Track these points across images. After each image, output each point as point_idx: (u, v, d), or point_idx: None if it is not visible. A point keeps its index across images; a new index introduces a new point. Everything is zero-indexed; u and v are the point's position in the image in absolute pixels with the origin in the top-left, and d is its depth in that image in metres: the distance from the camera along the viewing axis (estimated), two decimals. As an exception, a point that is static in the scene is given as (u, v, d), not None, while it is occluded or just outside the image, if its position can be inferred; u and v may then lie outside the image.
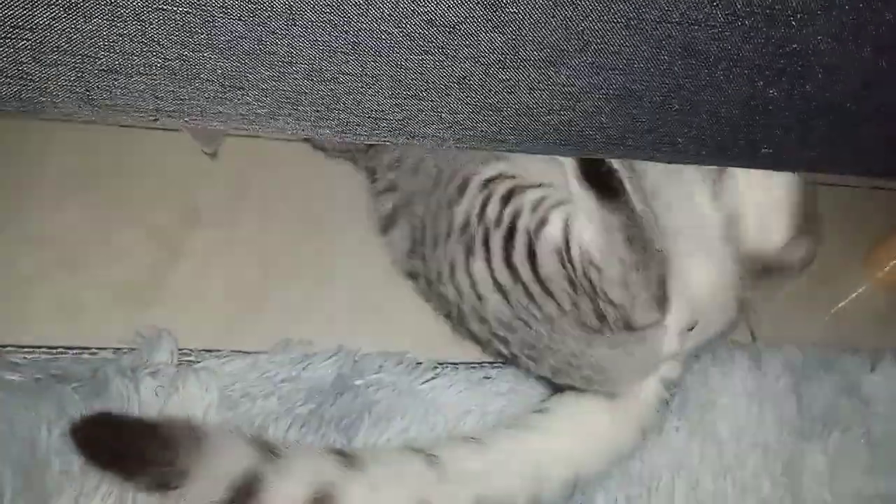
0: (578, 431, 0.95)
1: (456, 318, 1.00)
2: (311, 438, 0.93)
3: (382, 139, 0.77)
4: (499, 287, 0.92)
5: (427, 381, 1.02)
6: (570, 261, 0.88)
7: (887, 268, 1.33)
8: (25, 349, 0.96)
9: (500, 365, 1.06)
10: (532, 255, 0.89)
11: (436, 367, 1.04)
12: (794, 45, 0.70)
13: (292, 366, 1.00)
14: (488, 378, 1.05)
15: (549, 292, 0.90)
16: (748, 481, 1.02)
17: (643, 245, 0.87)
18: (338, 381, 0.99)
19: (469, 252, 0.93)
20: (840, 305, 1.31)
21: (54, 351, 0.97)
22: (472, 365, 1.07)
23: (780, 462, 1.04)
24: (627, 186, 0.88)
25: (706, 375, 1.09)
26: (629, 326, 0.90)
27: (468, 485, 0.88)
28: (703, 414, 1.06)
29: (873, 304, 1.33)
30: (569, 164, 0.88)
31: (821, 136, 0.79)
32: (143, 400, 0.91)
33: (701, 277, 0.95)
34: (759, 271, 1.03)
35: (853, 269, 1.36)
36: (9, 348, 0.95)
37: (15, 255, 1.03)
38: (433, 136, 0.76)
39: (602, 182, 0.87)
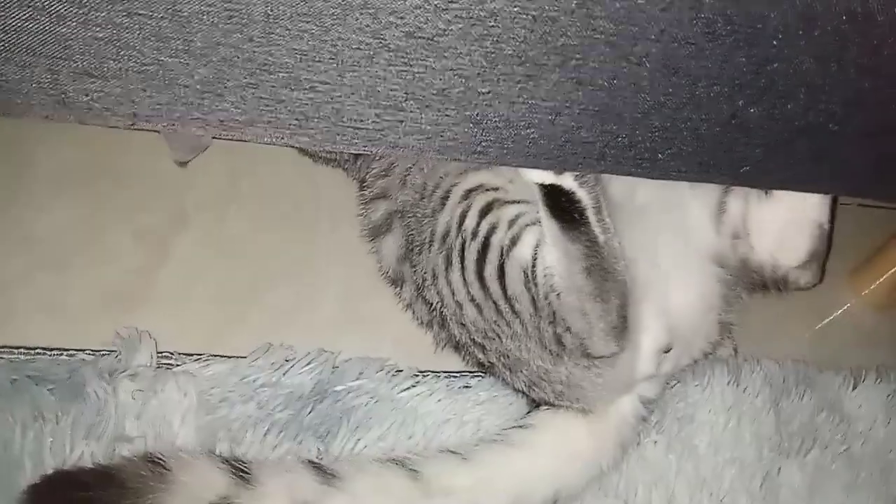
0: (559, 448, 0.95)
1: (438, 323, 1.01)
2: (287, 444, 0.92)
3: (362, 148, 0.76)
4: (472, 299, 0.93)
5: (407, 389, 1.02)
6: (535, 282, 0.88)
7: (872, 286, 1.33)
8: (3, 349, 0.96)
9: (480, 375, 1.06)
10: (502, 273, 0.90)
11: (416, 376, 1.04)
12: (776, 65, 0.70)
13: (272, 371, 1.00)
14: (468, 387, 1.05)
15: (515, 311, 0.90)
16: (725, 496, 1.02)
17: (603, 276, 0.87)
18: (317, 387, 0.99)
19: (448, 262, 0.93)
20: (823, 322, 1.30)
21: (32, 351, 0.96)
22: (453, 374, 1.07)
23: (757, 477, 1.04)
24: (591, 217, 0.87)
25: (685, 389, 1.09)
26: (587, 355, 0.90)
27: (453, 501, 0.88)
28: (681, 428, 1.06)
29: (857, 322, 1.32)
30: (536, 190, 0.88)
31: (802, 155, 0.79)
32: (121, 403, 0.91)
33: (680, 300, 0.95)
34: (758, 285, 1.04)
35: (838, 286, 1.35)
36: (-15, 349, 0.95)
37: (1, 255, 1.02)
38: (413, 146, 0.75)
39: (564, 211, 0.87)
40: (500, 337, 0.93)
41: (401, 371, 1.04)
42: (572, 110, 0.72)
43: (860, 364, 1.20)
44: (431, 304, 0.99)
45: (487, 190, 0.94)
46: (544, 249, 0.89)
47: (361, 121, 0.73)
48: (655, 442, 1.04)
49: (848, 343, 1.28)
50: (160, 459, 0.81)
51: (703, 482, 1.02)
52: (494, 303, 0.91)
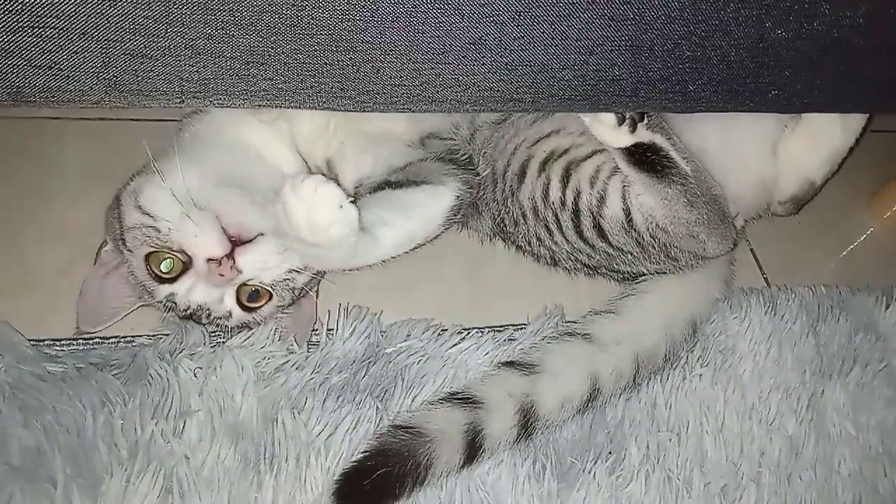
0: (680, 286, 1.05)
1: (552, 263, 1.11)
2: (347, 407, 0.95)
3: (400, 108, 0.78)
4: (580, 250, 1.03)
5: (455, 346, 1.04)
6: (636, 229, 0.97)
7: (893, 209, 1.36)
8: (62, 341, 0.98)
9: (523, 326, 1.09)
10: (601, 231, 0.99)
11: (461, 333, 1.07)
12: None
13: (319, 338, 1.03)
14: (513, 339, 1.07)
15: (624, 251, 1.01)
16: (773, 420, 1.04)
17: (703, 201, 0.94)
18: (368, 350, 1.02)
19: (548, 231, 1.03)
20: (850, 248, 1.33)
21: (91, 342, 0.99)
22: (496, 328, 1.09)
23: (802, 400, 1.06)
24: (675, 157, 0.94)
25: (724, 322, 1.11)
26: (703, 259, 1.00)
27: (624, 346, 1.01)
28: (725, 359, 1.08)
29: (880, 245, 1.35)
30: (617, 155, 0.95)
31: (828, 74, 0.81)
32: (182, 382, 0.94)
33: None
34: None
35: (859, 212, 1.39)
36: (46, 342, 0.97)
37: (42, 251, 1.05)
38: (451, 99, 0.78)
39: (651, 163, 0.93)
40: (613, 265, 1.05)
41: (446, 329, 1.07)
42: (604, 48, 0.74)
43: (890, 283, 1.23)
44: (542, 257, 1.09)
45: (560, 156, 0.99)
46: (634, 196, 0.96)
47: (400, 78, 0.75)
48: (701, 375, 1.06)
49: (875, 265, 1.30)
50: (405, 424, 0.90)
51: (751, 409, 1.05)
52: (604, 251, 1.01)
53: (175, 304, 0.93)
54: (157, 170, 0.92)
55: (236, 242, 0.91)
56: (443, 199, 1.01)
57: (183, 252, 0.91)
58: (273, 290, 0.96)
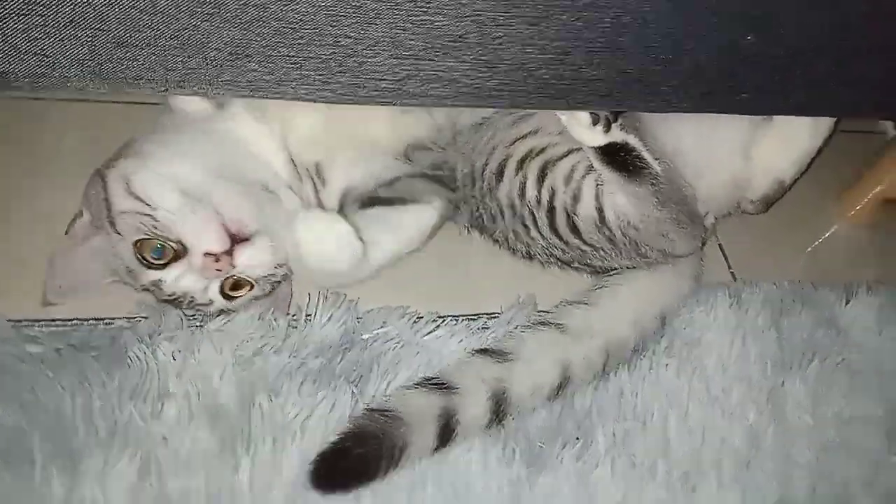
0: (651, 281, 1.09)
1: (527, 257, 1.14)
2: (323, 391, 0.96)
3: (382, 101, 0.80)
4: (555, 246, 1.07)
5: (430, 333, 1.06)
6: (608, 227, 1.00)
7: (857, 207, 1.40)
8: (42, 322, 0.99)
9: (497, 315, 1.12)
10: (575, 228, 1.02)
11: (436, 321, 1.09)
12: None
13: (297, 323, 1.04)
14: (486, 328, 1.10)
15: (596, 248, 1.04)
16: (735, 411, 1.08)
17: (673, 200, 0.97)
18: (344, 336, 1.04)
19: (525, 227, 1.06)
20: (815, 244, 1.38)
21: (69, 323, 1.00)
22: (471, 317, 1.12)
23: (763, 392, 1.10)
24: (647, 158, 0.96)
25: (691, 314, 1.15)
26: (672, 257, 1.04)
27: (595, 338, 1.03)
28: (690, 351, 1.12)
29: (846, 242, 1.40)
30: (591, 154, 0.97)
31: (798, 79, 0.84)
32: (161, 364, 0.95)
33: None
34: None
35: (826, 209, 1.43)
36: (25, 323, 0.98)
37: (26, 231, 1.05)
38: (431, 94, 0.79)
39: (623, 162, 0.96)
40: (586, 261, 1.08)
41: (421, 317, 1.09)
42: (581, 49, 0.76)
43: (852, 280, 1.27)
44: (517, 251, 1.13)
45: (536, 155, 1.02)
46: (607, 195, 0.99)
47: (382, 72, 0.76)
48: (667, 365, 1.09)
49: (839, 261, 1.35)
50: (381, 408, 0.92)
51: (714, 400, 1.08)
52: (577, 247, 1.04)
53: (160, 288, 0.94)
54: (151, 155, 0.93)
55: (235, 239, 0.93)
56: (428, 218, 1.07)
57: (179, 242, 0.92)
58: (256, 282, 0.98)
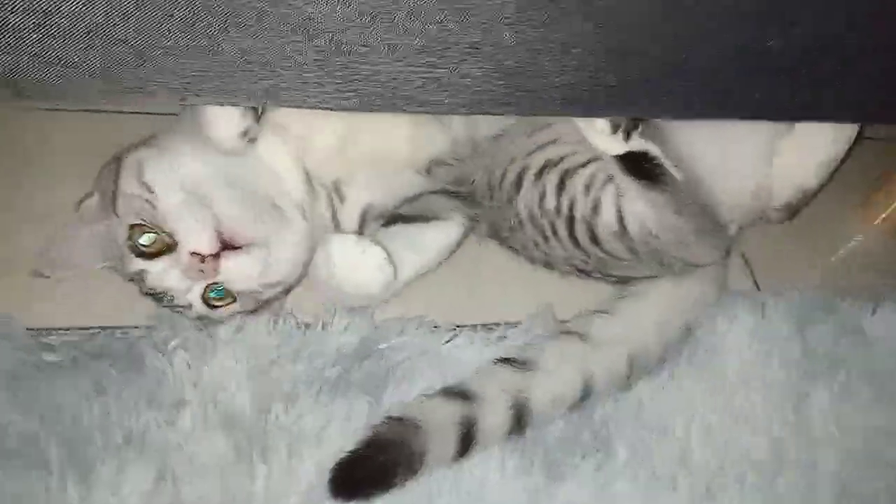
0: (676, 289, 1.07)
1: (547, 266, 1.13)
2: (340, 401, 0.96)
3: (398, 109, 0.80)
4: (575, 256, 1.06)
5: (447, 342, 1.06)
6: (629, 236, 0.99)
7: (883, 216, 1.38)
8: (59, 331, 0.99)
9: (514, 325, 1.11)
10: (595, 238, 1.01)
11: (453, 330, 1.08)
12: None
13: (313, 332, 1.04)
14: (504, 337, 1.09)
15: (617, 257, 1.03)
16: (758, 422, 1.06)
17: (692, 208, 0.96)
18: (361, 345, 1.03)
19: (544, 237, 1.05)
20: (839, 253, 1.35)
21: (87, 331, 1.00)
22: (489, 326, 1.11)
23: (788, 402, 1.08)
24: (667, 165, 0.96)
25: (713, 323, 1.13)
26: (694, 265, 1.03)
27: (618, 347, 1.02)
28: (712, 360, 1.10)
29: (870, 250, 1.37)
30: (611, 162, 0.97)
31: (815, 84, 0.82)
32: (177, 373, 0.95)
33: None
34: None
35: (850, 218, 1.41)
36: (42, 331, 0.98)
37: (39, 239, 1.05)
38: (447, 102, 0.79)
39: (644, 170, 0.95)
40: (606, 270, 1.07)
41: (438, 327, 1.08)
42: (597, 54, 0.75)
43: (877, 289, 1.24)
44: (536, 260, 1.12)
45: (555, 165, 1.02)
46: (628, 204, 0.98)
47: (398, 81, 0.76)
48: (688, 374, 1.07)
49: (864, 271, 1.32)
50: (401, 416, 0.92)
51: (737, 410, 1.06)
52: (597, 257, 1.03)
53: (143, 280, 0.94)
54: (170, 150, 0.94)
55: (226, 245, 0.92)
56: (451, 235, 1.09)
57: (170, 236, 0.92)
58: (239, 296, 0.97)
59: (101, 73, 0.70)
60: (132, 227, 0.92)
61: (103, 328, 1.01)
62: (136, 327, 1.01)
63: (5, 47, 0.65)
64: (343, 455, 0.89)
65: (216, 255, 0.92)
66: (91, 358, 0.96)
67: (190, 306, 0.97)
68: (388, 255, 0.96)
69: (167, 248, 0.93)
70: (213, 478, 0.89)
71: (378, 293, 0.98)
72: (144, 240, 0.92)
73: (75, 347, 0.97)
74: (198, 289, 0.95)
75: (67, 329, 1.00)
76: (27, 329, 0.97)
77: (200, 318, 0.99)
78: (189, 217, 0.91)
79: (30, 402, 0.90)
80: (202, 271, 0.91)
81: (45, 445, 0.88)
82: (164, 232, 0.92)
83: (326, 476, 0.88)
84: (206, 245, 0.91)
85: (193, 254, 0.91)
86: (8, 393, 0.91)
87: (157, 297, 0.96)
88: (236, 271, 0.94)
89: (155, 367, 0.95)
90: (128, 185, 0.94)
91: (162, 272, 0.93)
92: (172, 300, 0.96)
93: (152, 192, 0.92)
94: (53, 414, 0.90)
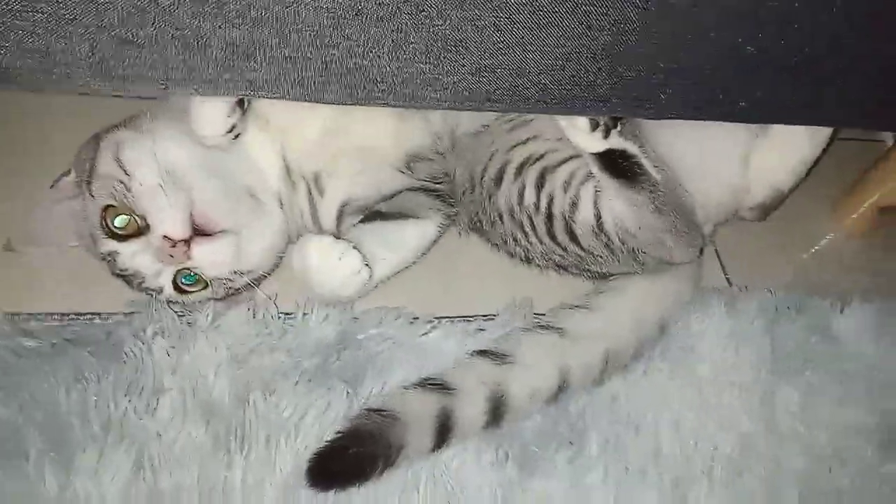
0: (652, 286, 1.09)
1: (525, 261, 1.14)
2: (318, 391, 0.97)
3: (381, 102, 0.80)
4: (553, 251, 1.07)
5: (425, 334, 1.07)
6: (605, 233, 1.00)
7: (853, 216, 1.40)
8: (38, 316, 0.99)
9: (493, 317, 1.12)
10: (573, 235, 1.02)
11: (432, 321, 1.09)
12: (771, 3, 0.75)
13: (293, 322, 1.05)
14: (481, 330, 1.10)
15: (593, 254, 1.04)
16: (727, 417, 1.08)
17: (670, 207, 0.98)
18: (340, 336, 1.04)
19: (523, 231, 1.06)
20: (810, 252, 1.38)
21: (66, 317, 1.00)
22: (467, 318, 1.12)
23: (756, 398, 1.10)
24: (646, 165, 0.97)
25: (686, 320, 1.15)
26: (669, 264, 1.04)
27: (595, 342, 1.03)
28: (684, 356, 1.12)
29: (841, 250, 1.40)
30: (590, 160, 0.98)
31: (798, 89, 0.84)
32: (156, 360, 0.95)
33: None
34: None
35: (821, 218, 1.43)
36: (22, 315, 0.98)
37: (18, 225, 1.04)
38: (430, 97, 0.80)
39: (622, 169, 0.96)
40: (584, 266, 1.08)
41: (417, 318, 1.09)
42: (581, 55, 0.76)
43: (846, 289, 1.27)
44: (516, 255, 1.13)
45: (535, 162, 1.03)
46: (606, 202, 0.99)
47: (382, 75, 0.77)
48: (660, 370, 1.10)
49: (834, 270, 1.35)
50: (379, 408, 0.93)
51: (707, 406, 1.08)
52: (575, 253, 1.04)
53: (115, 260, 0.94)
54: (150, 132, 0.94)
55: (198, 231, 0.93)
56: (428, 234, 1.10)
57: (143, 218, 0.92)
58: (210, 282, 0.97)
59: (86, 62, 0.70)
60: (105, 208, 0.92)
61: (83, 314, 1.01)
62: (115, 314, 1.01)
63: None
64: (321, 445, 0.90)
65: (187, 241, 0.92)
66: (71, 344, 0.96)
67: (161, 290, 0.97)
68: (364, 257, 0.97)
69: (139, 231, 0.93)
70: (191, 466, 0.90)
71: (351, 296, 1.00)
72: (118, 222, 0.93)
73: (55, 334, 0.97)
74: (168, 272, 0.95)
75: (49, 314, 1.00)
76: (5, 314, 0.97)
77: (171, 301, 0.99)
78: (162, 199, 0.91)
79: (7, 388, 0.90)
80: (172, 256, 0.91)
81: (24, 432, 0.88)
82: (135, 214, 0.92)
83: (304, 466, 0.89)
84: (179, 230, 0.91)
85: (165, 238, 0.91)
86: (-14, 379, 0.91)
87: (127, 278, 0.96)
88: (207, 258, 0.94)
89: (134, 354, 0.95)
90: (104, 164, 0.94)
91: (133, 254, 0.93)
92: (143, 284, 0.96)
93: (127, 174, 0.92)
94: (31, 400, 0.90)
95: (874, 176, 1.38)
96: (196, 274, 0.96)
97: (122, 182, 0.92)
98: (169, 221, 0.91)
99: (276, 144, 1.03)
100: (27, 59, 0.69)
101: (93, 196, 0.94)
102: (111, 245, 0.93)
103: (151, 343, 0.96)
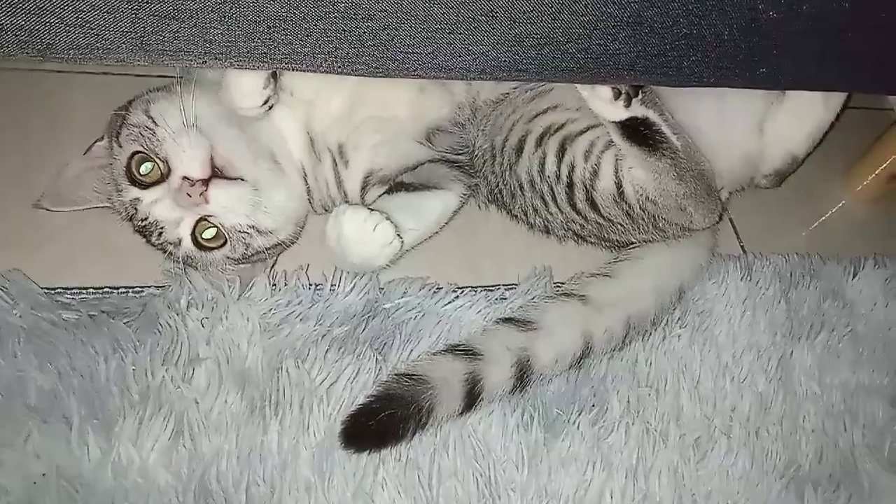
0: (671, 254, 1.11)
1: (545, 231, 1.17)
2: (348, 358, 1.00)
3: (412, 74, 0.82)
4: (574, 220, 1.09)
5: (449, 303, 1.09)
6: (626, 202, 1.03)
7: (865, 182, 1.43)
8: (74, 290, 1.01)
9: (514, 286, 1.14)
10: (594, 204, 1.04)
11: (455, 291, 1.12)
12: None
13: (321, 292, 1.07)
14: (503, 299, 1.13)
15: (614, 223, 1.07)
16: (745, 379, 1.11)
17: (691, 175, 1.00)
18: (367, 305, 1.07)
19: (544, 202, 1.08)
20: (822, 218, 1.41)
21: (101, 291, 1.02)
22: (489, 287, 1.15)
23: (772, 361, 1.13)
24: (667, 133, 0.99)
25: (703, 286, 1.18)
26: (689, 230, 1.06)
27: (617, 309, 1.06)
28: (702, 321, 1.15)
29: (853, 216, 1.43)
30: (611, 128, 1.00)
31: (815, 54, 0.86)
32: (191, 331, 0.98)
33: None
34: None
35: (833, 185, 1.46)
36: (58, 290, 1.01)
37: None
38: (460, 68, 0.81)
39: (644, 137, 0.98)
40: (604, 235, 1.11)
41: (441, 288, 1.12)
42: (608, 23, 0.78)
43: (859, 254, 1.30)
44: (535, 225, 1.15)
45: (556, 131, 1.04)
46: (626, 169, 1.01)
47: (413, 46, 0.78)
48: (679, 335, 1.13)
49: (846, 235, 1.38)
50: (409, 372, 0.95)
51: (725, 367, 1.12)
52: (595, 221, 1.06)
53: (136, 210, 0.96)
54: (179, 89, 0.96)
55: (217, 174, 0.95)
56: (451, 204, 1.11)
57: (165, 163, 0.94)
58: (229, 236, 0.99)
59: (126, 37, 0.71)
60: (132, 155, 0.95)
61: (117, 288, 1.03)
62: (149, 286, 1.04)
63: (34, 10, 0.67)
64: (355, 408, 0.93)
65: (206, 182, 0.94)
66: (108, 316, 0.98)
67: (180, 242, 0.98)
68: (396, 228, 0.99)
69: (161, 177, 0.95)
70: (228, 432, 0.92)
71: (382, 265, 1.02)
72: (143, 168, 0.95)
73: (92, 306, 0.99)
74: (187, 223, 0.97)
75: (84, 289, 1.03)
76: (44, 288, 0.99)
77: (190, 260, 1.01)
78: (184, 141, 0.93)
79: (49, 358, 0.93)
80: (190, 195, 0.93)
81: (66, 401, 0.90)
82: (160, 159, 0.94)
83: (337, 428, 0.92)
84: (198, 169, 0.93)
85: (185, 178, 0.93)
86: (27, 350, 0.93)
87: (147, 231, 0.98)
88: (225, 201, 0.96)
89: (169, 325, 0.98)
90: (133, 116, 0.97)
91: (154, 201, 0.96)
92: (161, 235, 0.98)
93: (155, 122, 0.95)
94: (71, 370, 0.93)
95: (886, 143, 1.40)
96: (216, 227, 0.98)
97: (149, 129, 0.95)
98: (188, 160, 0.93)
99: (301, 117, 1.05)
100: (71, 35, 0.70)
101: (121, 145, 0.96)
102: (134, 192, 0.96)
103: (186, 314, 0.99)
